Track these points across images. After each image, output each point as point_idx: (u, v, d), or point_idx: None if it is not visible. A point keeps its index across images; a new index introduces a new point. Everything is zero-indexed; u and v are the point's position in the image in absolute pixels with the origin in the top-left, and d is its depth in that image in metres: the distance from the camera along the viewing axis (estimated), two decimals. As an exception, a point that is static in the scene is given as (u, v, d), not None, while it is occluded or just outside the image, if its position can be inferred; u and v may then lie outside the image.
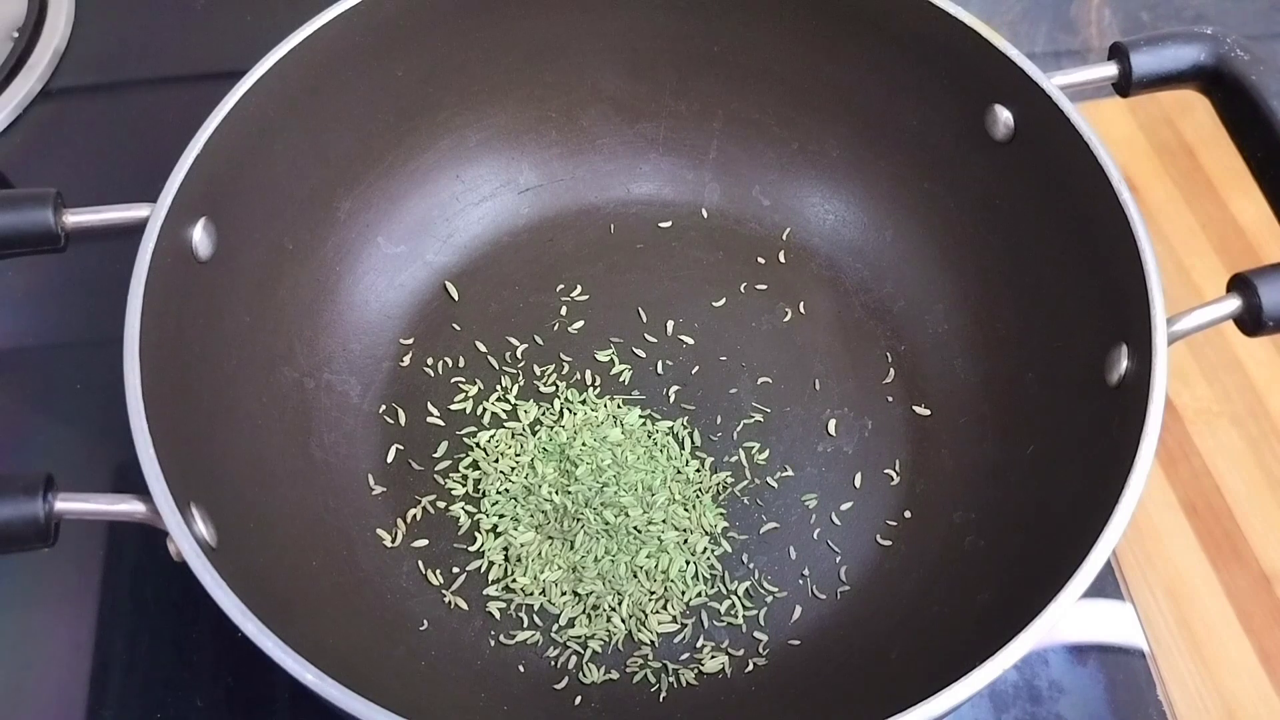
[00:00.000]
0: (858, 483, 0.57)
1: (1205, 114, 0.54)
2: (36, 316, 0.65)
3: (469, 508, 0.56)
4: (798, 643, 0.53)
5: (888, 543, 0.56)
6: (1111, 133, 0.70)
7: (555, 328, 0.62)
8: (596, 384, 0.60)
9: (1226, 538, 0.58)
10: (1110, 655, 0.55)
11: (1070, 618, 0.44)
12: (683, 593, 0.54)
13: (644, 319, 0.62)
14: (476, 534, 0.56)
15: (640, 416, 0.59)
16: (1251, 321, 0.48)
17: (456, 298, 0.63)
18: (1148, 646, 0.55)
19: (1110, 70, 0.53)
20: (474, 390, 0.60)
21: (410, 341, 0.61)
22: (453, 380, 0.60)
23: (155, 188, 0.49)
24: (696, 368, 0.61)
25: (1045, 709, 0.53)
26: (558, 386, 0.60)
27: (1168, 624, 0.56)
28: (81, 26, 0.75)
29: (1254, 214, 0.67)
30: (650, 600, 0.54)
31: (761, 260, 0.64)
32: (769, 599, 0.54)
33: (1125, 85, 0.53)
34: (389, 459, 0.58)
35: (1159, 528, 0.58)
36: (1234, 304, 0.48)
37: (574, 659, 0.52)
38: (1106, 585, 0.56)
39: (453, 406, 0.59)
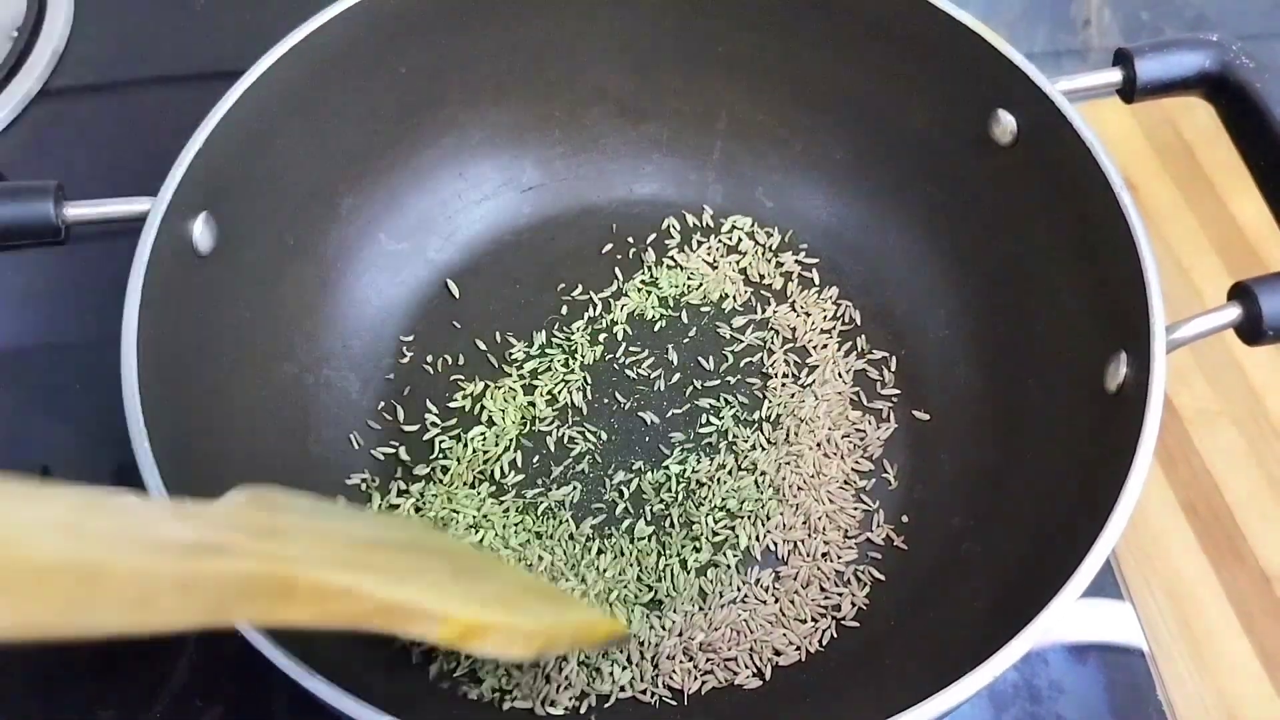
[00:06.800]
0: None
1: (1206, 114, 0.54)
2: (36, 316, 0.65)
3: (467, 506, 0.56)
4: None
5: (885, 547, 0.56)
6: (1111, 133, 0.70)
7: (556, 326, 0.62)
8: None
9: (1226, 538, 0.58)
10: (1110, 655, 0.55)
11: (1070, 617, 0.44)
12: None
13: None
14: (474, 532, 0.56)
15: (639, 416, 0.59)
16: (1251, 330, 0.48)
17: (457, 295, 0.63)
18: (1147, 646, 0.55)
19: (1115, 76, 0.53)
20: (473, 389, 0.60)
21: (410, 339, 0.61)
22: (452, 378, 0.60)
23: (154, 188, 0.49)
24: (695, 367, 0.61)
25: (1045, 708, 0.53)
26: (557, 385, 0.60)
27: (1167, 624, 0.56)
28: (81, 26, 0.75)
29: (1254, 214, 0.66)
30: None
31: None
32: (769, 599, 0.54)
33: (1130, 91, 0.53)
34: (387, 456, 0.58)
35: (1159, 528, 0.58)
36: (1234, 313, 0.48)
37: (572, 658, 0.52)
38: (1106, 585, 0.56)
39: (452, 404, 0.59)
